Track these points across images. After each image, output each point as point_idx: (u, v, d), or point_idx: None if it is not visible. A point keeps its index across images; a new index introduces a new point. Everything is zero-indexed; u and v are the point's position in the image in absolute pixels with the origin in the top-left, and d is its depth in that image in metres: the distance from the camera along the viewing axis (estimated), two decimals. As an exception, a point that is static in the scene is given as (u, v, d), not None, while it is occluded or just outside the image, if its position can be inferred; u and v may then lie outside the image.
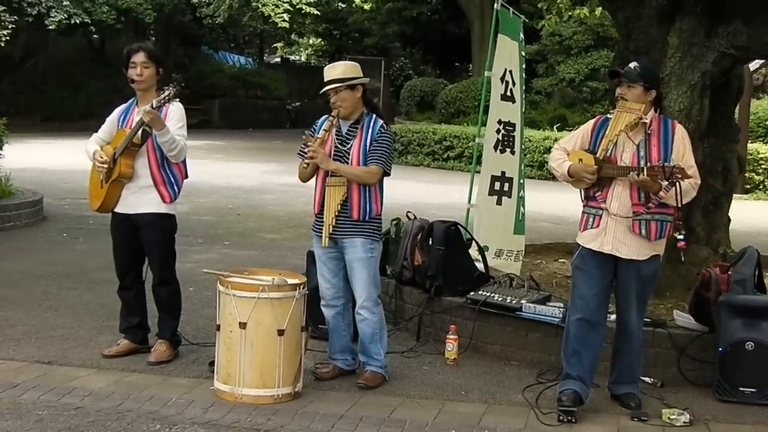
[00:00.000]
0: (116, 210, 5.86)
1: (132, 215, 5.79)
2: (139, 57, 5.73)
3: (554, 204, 14.52)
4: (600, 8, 11.40)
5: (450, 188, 16.05)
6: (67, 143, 19.78)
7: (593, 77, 24.33)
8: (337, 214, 5.39)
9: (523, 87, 8.38)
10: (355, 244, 5.42)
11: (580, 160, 5.20)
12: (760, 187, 18.37)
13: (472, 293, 6.47)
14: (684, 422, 5.09)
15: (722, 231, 7.80)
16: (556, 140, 18.01)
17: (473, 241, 7.36)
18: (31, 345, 6.05)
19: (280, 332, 5.11)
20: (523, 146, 8.41)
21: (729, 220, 7.98)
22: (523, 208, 8.41)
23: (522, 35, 8.38)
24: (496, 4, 7.87)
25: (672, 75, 6.92)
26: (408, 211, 7.48)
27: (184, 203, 12.67)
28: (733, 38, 6.94)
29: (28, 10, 24.11)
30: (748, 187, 18.08)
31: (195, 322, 6.69)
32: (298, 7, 24.87)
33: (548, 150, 17.63)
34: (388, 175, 5.49)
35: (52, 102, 28.48)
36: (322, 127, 5.44)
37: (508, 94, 7.99)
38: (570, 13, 12.34)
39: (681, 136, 5.18)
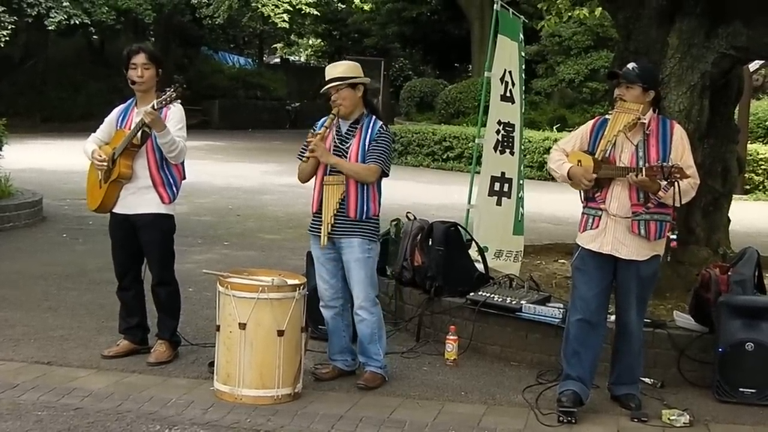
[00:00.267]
0: (115, 210, 5.86)
1: (131, 216, 5.78)
2: (140, 58, 5.72)
3: (554, 205, 14.51)
4: (600, 9, 11.41)
5: (449, 189, 16.05)
6: (67, 144, 19.78)
7: (593, 78, 24.34)
8: (335, 213, 5.39)
9: (523, 88, 8.38)
10: (352, 245, 5.42)
11: (579, 161, 5.20)
12: (760, 187, 18.37)
13: (471, 294, 6.46)
14: (684, 423, 5.09)
15: (722, 232, 7.80)
16: (555, 141, 17.99)
17: (473, 242, 7.36)
18: (30, 345, 6.05)
19: (280, 333, 5.11)
20: (522, 147, 8.42)
21: (729, 220, 7.98)
22: (523, 208, 8.42)
23: (522, 36, 8.38)
24: (495, 5, 7.87)
25: (672, 76, 6.92)
26: (408, 212, 7.48)
27: (183, 204, 12.68)
28: (732, 39, 6.94)
29: (28, 10, 24.11)
30: (748, 187, 18.08)
31: (194, 322, 6.69)
32: (297, 7, 24.87)
33: (548, 150, 17.63)
34: (387, 175, 5.50)
35: (52, 102, 28.49)
36: (323, 124, 5.46)
37: (508, 94, 7.99)
38: (570, 14, 12.35)
39: (680, 137, 5.18)
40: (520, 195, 8.28)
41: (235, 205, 13.92)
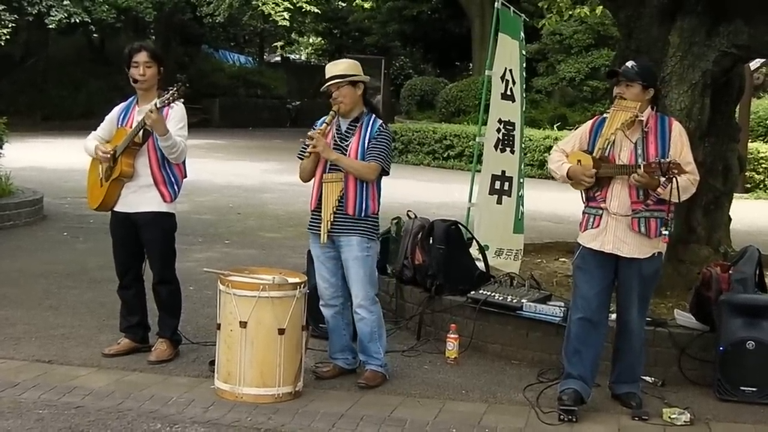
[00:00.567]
0: (116, 209, 5.86)
1: (132, 214, 5.78)
2: (142, 56, 5.72)
3: (554, 203, 14.51)
4: (600, 7, 11.43)
5: (450, 187, 16.05)
6: (68, 142, 19.78)
7: (594, 76, 24.32)
8: (334, 210, 5.39)
9: (524, 86, 8.38)
10: (351, 243, 5.43)
11: (579, 161, 5.21)
12: (761, 186, 18.37)
13: (472, 292, 6.46)
14: (685, 421, 5.09)
15: (723, 230, 7.79)
16: (556, 139, 18.07)
17: (474, 240, 7.36)
18: (31, 344, 6.05)
19: (281, 331, 5.11)
20: (523, 145, 8.41)
21: (730, 219, 7.97)
22: (523, 207, 8.42)
23: (522, 34, 8.38)
24: (496, 3, 7.87)
25: (673, 74, 6.92)
26: (408, 210, 7.48)
27: (184, 202, 12.67)
28: (734, 37, 6.93)
29: (28, 9, 24.11)
30: (749, 186, 18.07)
31: (195, 321, 6.69)
32: (298, 5, 24.87)
33: (548, 149, 17.63)
34: (387, 173, 5.50)
35: (53, 101, 28.47)
36: (324, 120, 5.47)
37: (508, 93, 7.99)
38: (570, 12, 12.36)
39: (678, 133, 5.19)
40: (520, 193, 8.28)
41: (236, 203, 13.92)
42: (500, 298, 6.31)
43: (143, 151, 5.70)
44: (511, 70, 8.00)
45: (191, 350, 6.04)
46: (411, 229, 6.97)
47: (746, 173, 16.94)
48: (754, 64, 16.42)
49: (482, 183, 7.79)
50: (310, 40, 46.67)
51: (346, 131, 5.50)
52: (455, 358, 6.11)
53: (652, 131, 5.16)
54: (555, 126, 22.13)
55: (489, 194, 7.83)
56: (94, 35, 28.63)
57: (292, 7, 24.35)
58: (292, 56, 48.31)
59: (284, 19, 24.33)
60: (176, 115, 5.70)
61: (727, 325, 5.61)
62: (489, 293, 6.38)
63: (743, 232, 11.00)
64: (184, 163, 5.88)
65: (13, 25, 23.41)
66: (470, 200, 8.06)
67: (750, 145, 18.17)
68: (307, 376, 5.49)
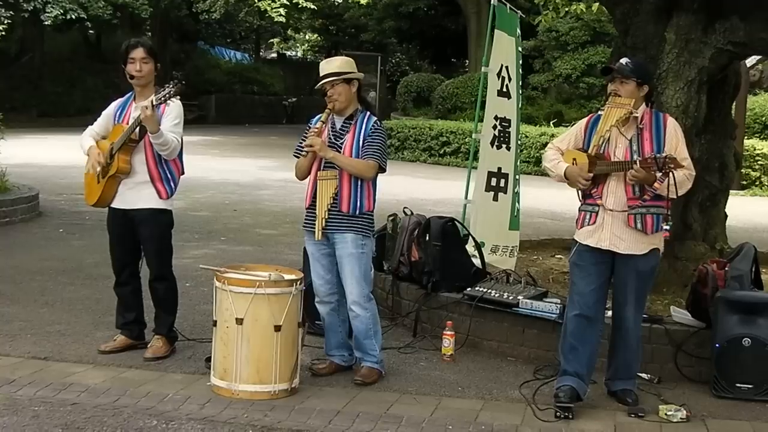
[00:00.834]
0: (113, 205, 5.85)
1: (129, 211, 5.78)
2: (138, 53, 5.72)
3: (551, 200, 14.53)
4: (597, 4, 11.38)
5: (446, 184, 16.06)
6: (63, 139, 19.73)
7: (590, 73, 24.35)
8: (329, 207, 5.39)
9: (520, 83, 8.38)
10: (345, 240, 5.43)
11: (574, 159, 5.21)
12: (757, 183, 18.39)
13: (469, 289, 6.46)
14: (681, 418, 5.09)
15: (719, 227, 7.80)
16: (552, 136, 18.08)
17: (470, 237, 7.36)
18: (27, 341, 6.04)
19: (277, 328, 5.10)
20: (519, 142, 8.42)
21: (726, 216, 7.98)
22: (519, 203, 8.43)
23: (518, 31, 8.38)
24: (492, 0, 7.86)
25: (669, 71, 6.92)
26: (405, 207, 7.49)
27: (180, 199, 12.64)
28: (730, 34, 6.94)
29: (24, 5, 24.06)
30: (745, 183, 18.08)
31: (191, 317, 6.68)
32: (294, 2, 24.82)
33: (544, 146, 17.57)
34: (384, 171, 5.50)
35: (48, 97, 28.43)
36: (320, 118, 5.47)
37: (504, 90, 7.99)
38: (567, 9, 12.32)
39: (673, 129, 5.20)
40: (516, 190, 8.28)
41: (232, 200, 13.91)
42: (496, 295, 6.31)
43: (140, 148, 5.70)
44: (507, 67, 8.00)
45: (187, 347, 6.04)
46: (407, 226, 6.97)
47: (742, 170, 16.95)
48: (750, 61, 16.39)
49: (478, 180, 7.79)
50: (307, 37, 46.61)
51: (340, 129, 5.50)
52: (451, 355, 6.11)
53: (647, 128, 5.17)
54: (551, 123, 22.14)
55: (485, 191, 7.83)
56: (90, 32, 28.64)
57: (288, 4, 24.28)
58: (288, 53, 48.27)
59: (280, 15, 24.27)
60: (172, 111, 5.69)
61: (723, 322, 5.61)
62: (485, 290, 6.38)
63: (739, 229, 11.02)
64: (181, 159, 5.87)
65: (9, 21, 23.35)
66: (466, 197, 8.06)
67: (746, 142, 18.18)
68: (304, 373, 5.49)
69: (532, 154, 19.60)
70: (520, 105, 8.42)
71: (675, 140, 5.16)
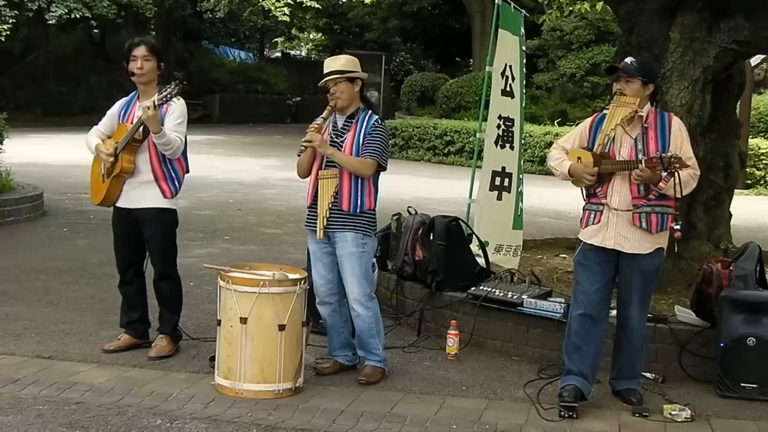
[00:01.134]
0: (118, 205, 5.86)
1: (133, 210, 5.79)
2: (140, 50, 5.73)
3: (555, 199, 14.51)
4: (601, 3, 11.38)
5: (450, 183, 16.05)
6: (68, 138, 19.75)
7: (594, 72, 24.30)
8: (330, 206, 5.39)
9: (524, 82, 8.38)
10: (345, 239, 5.42)
11: (579, 158, 5.20)
12: (761, 182, 18.35)
13: (473, 288, 6.46)
14: (685, 418, 5.09)
15: (723, 226, 7.79)
16: (556, 135, 18.07)
17: (474, 237, 7.35)
18: (31, 340, 6.05)
19: (281, 327, 5.10)
20: (523, 141, 8.41)
21: (730, 215, 7.97)
22: (522, 203, 8.43)
23: (523, 30, 8.36)
24: (497, -1, 7.86)
25: (674, 70, 6.90)
26: (409, 206, 7.48)
27: (184, 198, 12.62)
28: (734, 33, 6.92)
29: (29, 4, 24.08)
30: (749, 182, 18.05)
31: (196, 317, 6.69)
32: (298, 1, 24.83)
33: (549, 145, 17.60)
34: (384, 169, 5.49)
35: (53, 97, 28.47)
36: (321, 115, 5.47)
37: (508, 89, 7.99)
38: (571, 8, 12.31)
39: (678, 128, 5.19)
40: (519, 189, 8.28)
41: (236, 199, 13.91)
42: (501, 295, 6.31)
43: (144, 147, 5.70)
44: (510, 66, 7.99)
45: (191, 346, 6.04)
46: (411, 225, 6.97)
47: (747, 169, 16.91)
48: (755, 60, 16.37)
49: (482, 179, 7.78)
50: (311, 36, 46.63)
51: (342, 127, 5.50)
52: (456, 354, 6.10)
53: (652, 127, 5.16)
54: (555, 122, 22.12)
55: (489, 190, 7.83)
56: (95, 31, 28.63)
57: (292, 3, 24.29)
58: (292, 52, 48.29)
59: (284, 14, 24.28)
60: (175, 110, 5.70)
61: (728, 322, 5.60)
62: (489, 289, 6.38)
63: (744, 229, 11.00)
64: (186, 158, 5.88)
65: (14, 20, 23.38)
66: (470, 196, 8.06)
67: (751, 141, 18.15)
68: (308, 373, 5.49)
69: (537, 153, 19.57)
70: (523, 104, 8.41)
71: (680, 140, 5.15)
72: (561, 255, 8.58)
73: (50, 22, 24.96)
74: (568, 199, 12.88)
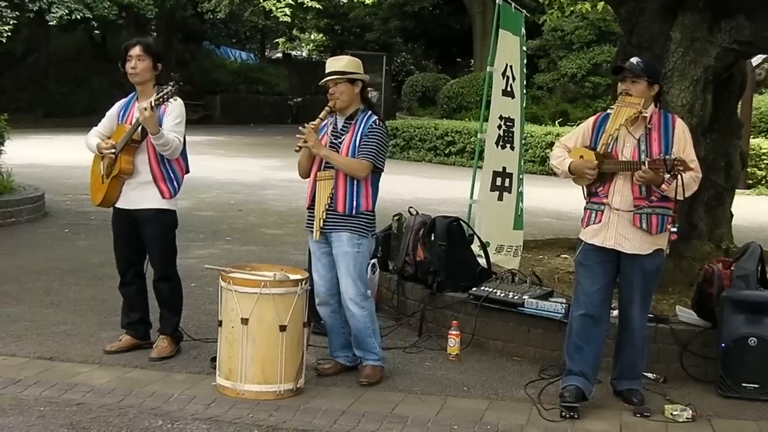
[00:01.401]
0: (117, 205, 5.86)
1: (132, 211, 5.79)
2: (135, 50, 5.75)
3: (556, 199, 14.51)
4: (602, 3, 11.37)
5: (452, 183, 16.04)
6: (69, 139, 19.75)
7: (595, 72, 24.31)
8: (327, 207, 5.39)
9: (524, 82, 8.38)
10: (341, 239, 5.42)
11: (581, 157, 5.20)
12: (763, 182, 18.34)
13: (474, 289, 6.46)
14: (686, 418, 5.09)
15: (725, 226, 7.78)
16: (557, 136, 18.06)
17: (475, 237, 7.35)
18: (32, 341, 6.05)
19: (282, 328, 5.10)
20: (523, 142, 8.40)
21: (731, 215, 7.96)
22: (522, 203, 8.43)
23: (523, 30, 8.36)
24: (497, -1, 7.86)
25: (675, 70, 6.90)
26: (410, 207, 7.48)
27: (185, 198, 12.66)
28: (735, 33, 6.92)
29: (29, 5, 24.09)
30: (751, 182, 18.05)
31: (197, 317, 6.68)
32: (299, 1, 24.82)
33: (550, 145, 17.60)
34: (381, 170, 5.47)
35: (54, 98, 28.46)
36: (319, 115, 5.46)
37: (509, 89, 7.98)
38: (572, 8, 12.30)
39: (681, 130, 5.18)
40: (520, 190, 8.28)
41: (237, 200, 13.91)
42: (502, 295, 6.31)
43: (143, 148, 5.70)
44: (511, 67, 7.99)
45: (192, 347, 6.04)
46: (412, 225, 6.97)
47: (748, 169, 16.91)
48: (756, 60, 16.35)
49: (483, 179, 7.78)
50: (312, 37, 46.62)
51: (341, 129, 5.49)
52: (457, 354, 6.10)
53: (656, 128, 5.16)
54: (556, 122, 22.12)
55: (490, 191, 7.82)
56: (96, 32, 28.63)
57: (293, 3, 24.28)
58: (293, 53, 48.29)
59: (285, 15, 24.25)
60: (174, 111, 5.70)
61: (729, 322, 5.60)
62: (490, 290, 6.38)
63: (745, 229, 10.99)
64: (185, 158, 5.88)
65: (15, 21, 23.36)
66: (471, 197, 8.06)
67: (752, 141, 18.13)
68: (309, 373, 5.49)
69: (538, 153, 19.56)
70: (524, 104, 8.41)
71: (683, 142, 5.15)
72: (562, 255, 8.58)
73: (51, 23, 24.96)
74: (569, 199, 12.88)
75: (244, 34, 42.21)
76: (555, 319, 6.03)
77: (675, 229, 5.10)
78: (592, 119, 5.41)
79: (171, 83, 5.64)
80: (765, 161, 18.39)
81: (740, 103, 10.27)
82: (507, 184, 7.97)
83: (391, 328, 6.66)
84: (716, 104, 7.26)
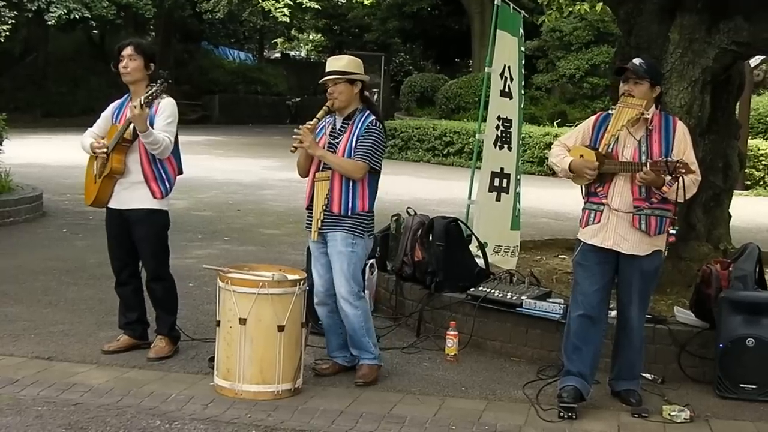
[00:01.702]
0: (110, 206, 5.85)
1: (124, 211, 5.77)
2: (127, 50, 5.76)
3: (554, 200, 14.52)
4: (600, 4, 11.37)
5: (450, 184, 16.05)
6: (67, 139, 19.74)
7: (593, 73, 24.33)
8: (324, 208, 5.39)
9: (522, 83, 8.38)
10: (335, 238, 5.42)
11: (581, 156, 5.20)
12: (761, 183, 18.36)
13: (472, 289, 6.46)
14: (684, 419, 5.09)
15: (723, 227, 7.79)
16: (556, 136, 18.06)
17: (473, 237, 7.36)
18: (30, 341, 6.04)
19: (280, 328, 5.10)
20: (521, 142, 8.41)
21: (729, 216, 7.97)
22: (519, 204, 8.44)
23: (522, 31, 8.37)
24: (496, 0, 7.85)
25: (673, 71, 6.90)
26: (408, 207, 7.48)
27: (183, 198, 12.71)
28: (734, 34, 6.92)
29: (28, 5, 24.08)
30: (749, 183, 18.06)
31: (195, 317, 6.68)
32: (298, 1, 24.83)
33: (548, 146, 17.62)
34: (377, 170, 5.46)
35: (52, 97, 28.46)
36: (316, 115, 5.45)
37: (506, 90, 7.99)
38: (570, 9, 12.30)
39: (682, 133, 5.19)
40: (517, 190, 8.29)
41: (235, 200, 13.91)
42: (500, 295, 6.31)
43: (134, 148, 5.69)
44: (509, 67, 8.00)
45: (190, 347, 6.04)
46: (411, 226, 6.97)
47: (746, 170, 16.93)
48: (754, 61, 16.37)
49: (482, 180, 7.79)
50: (310, 37, 46.65)
51: (339, 129, 5.49)
52: (455, 355, 6.10)
53: (656, 129, 5.16)
54: (555, 123, 22.13)
55: (488, 191, 7.83)
56: (94, 32, 28.62)
57: (292, 4, 24.29)
58: (291, 53, 48.31)
59: (284, 15, 24.26)
60: (165, 110, 5.70)
61: (727, 323, 5.60)
62: (488, 290, 6.38)
63: (743, 229, 11.00)
64: (177, 158, 5.87)
65: (13, 21, 23.39)
66: (470, 197, 8.06)
67: (750, 142, 18.17)
68: (307, 373, 5.49)
69: (536, 154, 19.58)
70: (522, 105, 8.42)
71: (683, 144, 5.15)
72: (560, 256, 8.59)
73: (50, 22, 24.95)
74: (567, 200, 12.90)
75: (243, 34, 42.23)
76: (553, 320, 6.03)
77: (674, 232, 5.11)
78: (592, 119, 5.40)
79: (159, 81, 5.65)
80: (763, 162, 18.41)
81: (738, 104, 10.28)
82: (505, 184, 7.98)
83: (389, 329, 6.66)
84: (714, 105, 7.26)
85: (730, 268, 5.87)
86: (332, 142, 5.46)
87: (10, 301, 7.04)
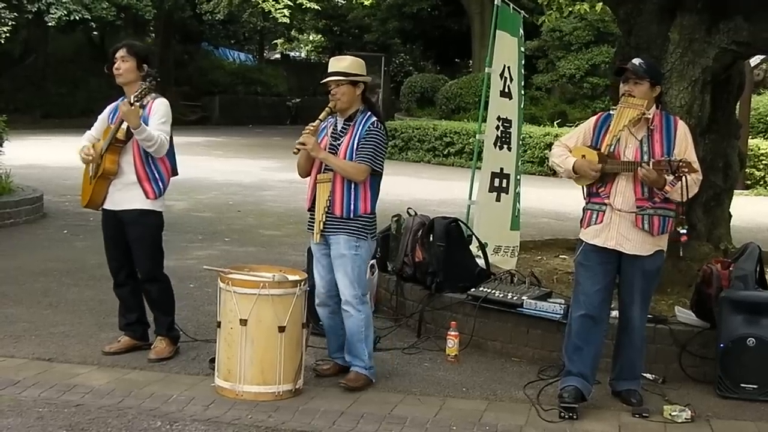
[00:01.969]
0: (104, 207, 5.84)
1: (118, 212, 5.76)
2: (120, 52, 5.77)
3: (555, 200, 14.51)
4: (600, 4, 11.38)
5: (450, 184, 16.05)
6: (67, 140, 19.70)
7: (593, 73, 24.34)
8: (326, 210, 5.38)
9: (522, 83, 8.38)
10: (338, 241, 5.39)
11: (583, 156, 5.19)
12: (761, 182, 18.36)
13: (473, 290, 6.46)
14: (685, 419, 5.09)
15: (723, 227, 7.79)
16: (556, 136, 18.07)
17: (474, 238, 7.36)
18: (31, 342, 6.04)
19: (281, 329, 5.10)
20: (521, 142, 8.41)
21: (730, 216, 7.97)
22: (519, 204, 8.44)
23: (521, 31, 8.37)
24: (496, 0, 7.86)
25: (673, 71, 6.90)
26: (408, 208, 7.48)
27: (183, 199, 12.72)
28: (734, 34, 6.92)
29: (28, 6, 24.09)
30: (749, 183, 18.06)
31: (196, 318, 6.69)
32: (298, 2, 24.85)
33: (548, 146, 17.62)
34: (379, 172, 5.44)
35: (52, 99, 28.48)
36: (318, 117, 5.44)
37: (506, 90, 7.99)
38: (570, 9, 12.31)
39: (683, 132, 5.18)
40: (517, 191, 8.29)
41: (236, 201, 13.91)
42: (500, 296, 6.31)
43: (128, 149, 5.69)
44: (509, 68, 8.00)
45: (191, 348, 6.04)
46: (411, 226, 6.97)
47: (746, 170, 16.92)
48: (755, 60, 16.38)
49: (482, 180, 7.79)
50: (310, 38, 46.67)
51: (341, 130, 5.46)
52: (455, 355, 6.10)
53: (658, 129, 5.15)
54: (555, 123, 22.13)
55: (489, 192, 7.83)
56: (94, 33, 28.62)
57: (292, 4, 24.30)
58: (291, 53, 48.32)
59: (284, 16, 24.28)
60: (159, 110, 5.70)
61: (728, 322, 5.60)
62: (489, 290, 6.38)
63: (743, 229, 11.00)
64: (173, 160, 5.86)
65: (13, 23, 23.39)
66: (470, 197, 8.06)
67: (750, 141, 18.16)
68: (308, 374, 5.49)
69: (536, 154, 19.59)
70: (522, 105, 8.42)
71: (685, 144, 5.15)
72: (561, 256, 8.59)
73: (50, 24, 24.96)
74: (568, 200, 12.90)
75: (243, 35, 42.27)
76: (554, 320, 6.03)
77: (685, 231, 5.09)
78: (593, 119, 5.40)
79: (148, 79, 5.65)
80: (763, 162, 18.40)
81: (738, 103, 10.29)
82: (504, 184, 7.98)
83: (389, 329, 6.66)
84: (714, 105, 7.26)
85: (731, 268, 5.87)
86: (334, 143, 5.44)
87: (11, 303, 7.04)
